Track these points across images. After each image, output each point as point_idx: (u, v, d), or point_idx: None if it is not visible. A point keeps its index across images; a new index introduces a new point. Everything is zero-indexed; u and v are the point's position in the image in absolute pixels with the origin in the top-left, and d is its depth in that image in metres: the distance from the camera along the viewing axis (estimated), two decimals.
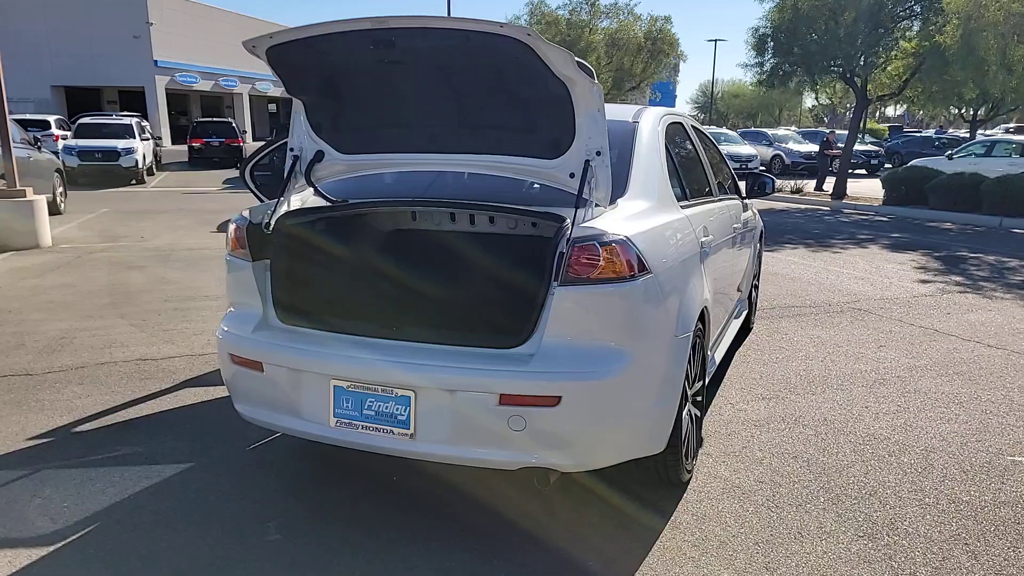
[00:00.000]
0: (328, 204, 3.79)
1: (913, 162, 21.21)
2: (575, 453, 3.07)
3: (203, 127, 30.77)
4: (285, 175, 3.76)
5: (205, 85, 48.34)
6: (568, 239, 3.03)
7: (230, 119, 34.56)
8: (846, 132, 23.11)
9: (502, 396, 2.96)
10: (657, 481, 3.70)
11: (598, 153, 3.19)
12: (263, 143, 5.68)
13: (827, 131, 24.41)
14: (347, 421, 3.22)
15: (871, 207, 18.20)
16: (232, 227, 3.64)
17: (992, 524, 3.52)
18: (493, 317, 3.44)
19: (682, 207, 3.98)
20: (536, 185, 4.03)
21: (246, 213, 3.64)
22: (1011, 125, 42.19)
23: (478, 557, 3.19)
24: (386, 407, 3.15)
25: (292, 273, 3.56)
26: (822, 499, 3.75)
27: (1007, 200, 15.63)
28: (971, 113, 32.10)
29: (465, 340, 3.16)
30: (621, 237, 3.04)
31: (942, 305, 8.05)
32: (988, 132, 35.15)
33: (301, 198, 3.90)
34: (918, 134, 42.24)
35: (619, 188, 3.50)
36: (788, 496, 3.78)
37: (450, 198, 3.74)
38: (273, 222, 3.58)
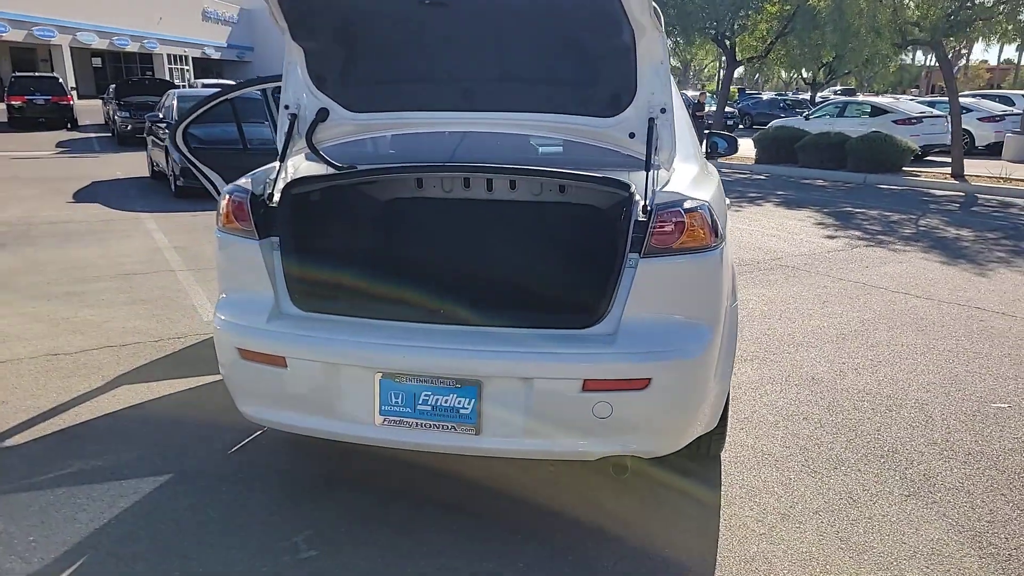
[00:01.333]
0: (341, 171, 3.31)
1: (776, 123, 22.30)
2: (661, 437, 2.85)
3: (23, 83, 27.13)
4: (283, 138, 3.24)
5: (16, 35, 40.97)
6: (647, 206, 2.76)
7: (56, 74, 31.09)
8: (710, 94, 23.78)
9: (586, 382, 2.68)
10: (696, 456, 3.56)
11: (663, 110, 2.93)
12: (196, 103, 4.97)
13: (698, 93, 25.21)
14: (396, 419, 2.83)
15: (746, 166, 18.99)
16: (226, 199, 3.10)
17: (1015, 472, 3.64)
18: (563, 295, 3.14)
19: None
20: (550, 147, 3.73)
21: (243, 182, 3.11)
22: (838, 88, 45.29)
23: (548, 553, 2.92)
24: (446, 401, 2.79)
25: (310, 251, 3.09)
26: (852, 460, 3.74)
27: (870, 158, 16.72)
28: (812, 76, 34.17)
29: (534, 321, 2.84)
30: (703, 202, 2.81)
31: (856, 259, 8.43)
32: (822, 94, 37.51)
33: (294, 165, 3.39)
34: (761, 96, 44.61)
35: None
36: (821, 460, 3.74)
37: (481, 163, 3.36)
38: (277, 192, 3.08)
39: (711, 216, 2.82)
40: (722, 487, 3.47)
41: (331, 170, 3.32)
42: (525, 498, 3.33)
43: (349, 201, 3.43)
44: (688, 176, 3.09)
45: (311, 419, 2.96)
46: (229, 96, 4.86)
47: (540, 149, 3.85)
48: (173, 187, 12.42)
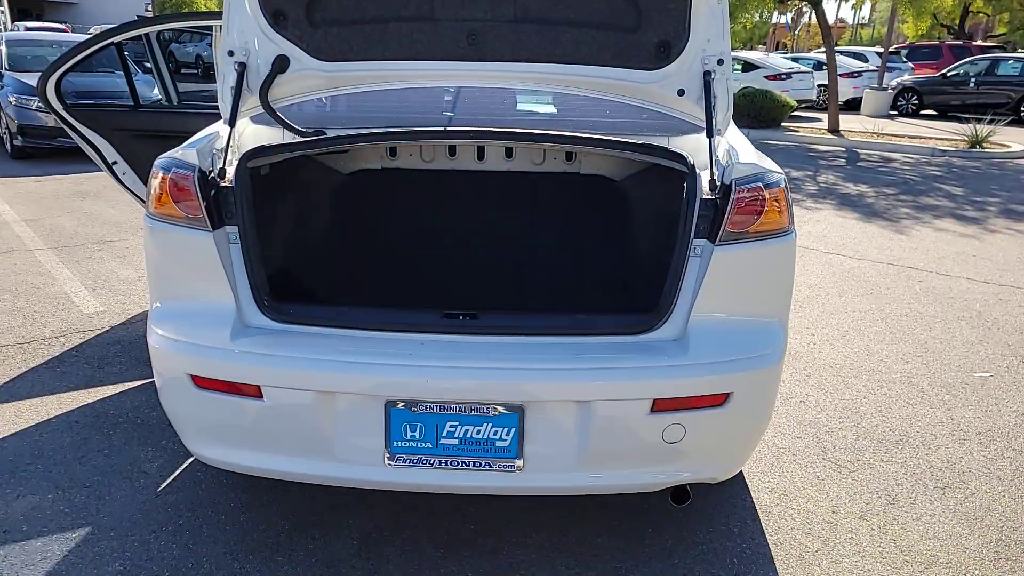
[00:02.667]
0: (313, 138, 2.59)
1: None
2: (730, 459, 2.41)
3: None
4: (229, 95, 2.49)
5: None
6: (715, 181, 2.26)
7: None
8: None
9: (657, 402, 2.18)
10: None
11: (720, 62, 2.41)
12: (73, 48, 3.98)
13: None
14: (412, 457, 2.23)
15: None
16: (161, 177, 2.33)
17: None
18: (611, 292, 2.59)
19: None
20: (540, 106, 3.16)
21: (181, 155, 2.35)
22: None
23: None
24: (478, 432, 2.21)
25: (281, 244, 2.40)
26: (870, 450, 3.47)
27: (751, 114, 17.00)
28: None
29: (584, 326, 2.30)
30: (781, 174, 2.34)
31: None
32: None
33: (238, 132, 2.64)
34: None
35: None
36: (839, 452, 3.45)
37: (483, 127, 2.72)
38: (231, 167, 2.35)
39: (788, 193, 2.35)
40: (751, 492, 3.09)
41: (296, 137, 2.60)
42: (543, 506, 2.81)
43: (327, 177, 2.73)
44: (743, 142, 2.60)
45: (297, 462, 2.30)
46: (116, 39, 3.91)
47: (521, 106, 3.26)
48: (9, 147, 10.64)
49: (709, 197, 2.28)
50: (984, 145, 13.62)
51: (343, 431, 2.24)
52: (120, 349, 4.31)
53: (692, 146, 2.56)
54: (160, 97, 5.20)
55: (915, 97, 21.03)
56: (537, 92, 2.81)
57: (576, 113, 2.99)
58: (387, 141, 2.61)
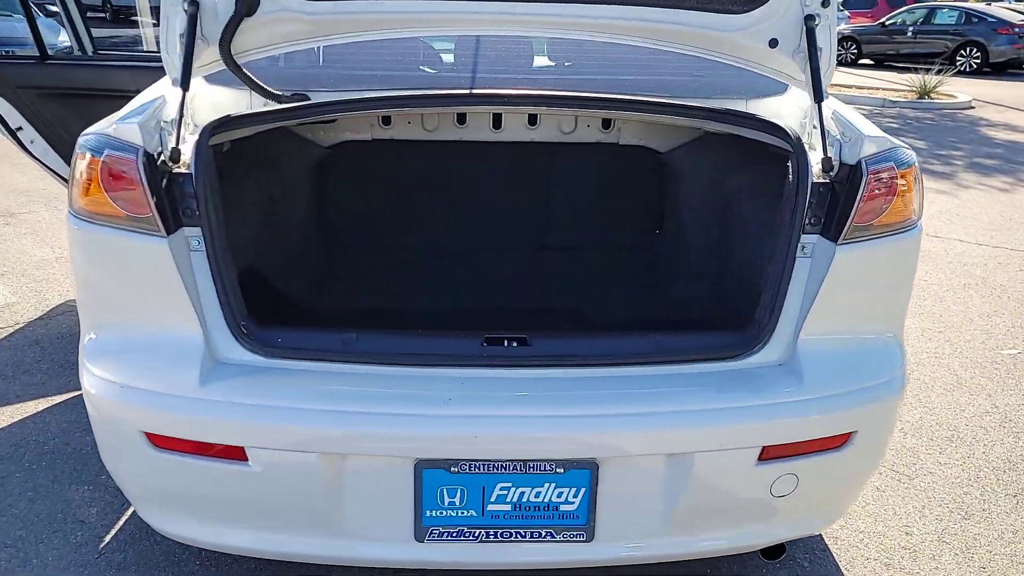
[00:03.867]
0: (298, 104, 1.96)
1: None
2: (840, 506, 1.97)
3: None
4: (176, 46, 1.84)
5: None
6: (831, 160, 1.77)
7: None
8: None
9: (767, 449, 1.70)
10: None
11: (824, 3, 1.90)
12: None
13: None
14: (451, 529, 1.71)
15: None
16: (89, 160, 1.69)
17: None
18: (694, 307, 2.10)
19: None
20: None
21: (116, 130, 1.71)
22: None
23: None
24: (537, 495, 1.71)
25: (263, 250, 1.82)
26: (924, 451, 3.11)
27: None
28: None
29: (664, 350, 1.79)
30: (912, 151, 1.85)
31: None
32: None
33: (209, 98, 2.01)
34: None
35: None
36: (892, 454, 3.09)
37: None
38: (187, 147, 1.73)
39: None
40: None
41: (270, 104, 1.97)
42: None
43: (303, 153, 2.13)
44: (844, 107, 2.09)
45: (295, 540, 1.75)
46: None
47: (538, 60, 2.68)
48: None
49: (822, 181, 1.78)
50: (932, 96, 13.51)
51: (358, 500, 1.70)
52: (40, 353, 3.60)
53: (773, 112, 2.05)
54: (70, 45, 4.36)
55: (853, 46, 20.80)
56: (585, 42, 2.24)
57: (608, 68, 2.44)
58: (396, 107, 2.01)
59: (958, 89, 14.49)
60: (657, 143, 2.54)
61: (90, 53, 4.17)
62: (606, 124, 2.49)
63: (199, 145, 1.72)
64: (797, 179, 1.77)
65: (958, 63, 18.91)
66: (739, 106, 2.09)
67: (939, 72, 13.77)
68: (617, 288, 2.66)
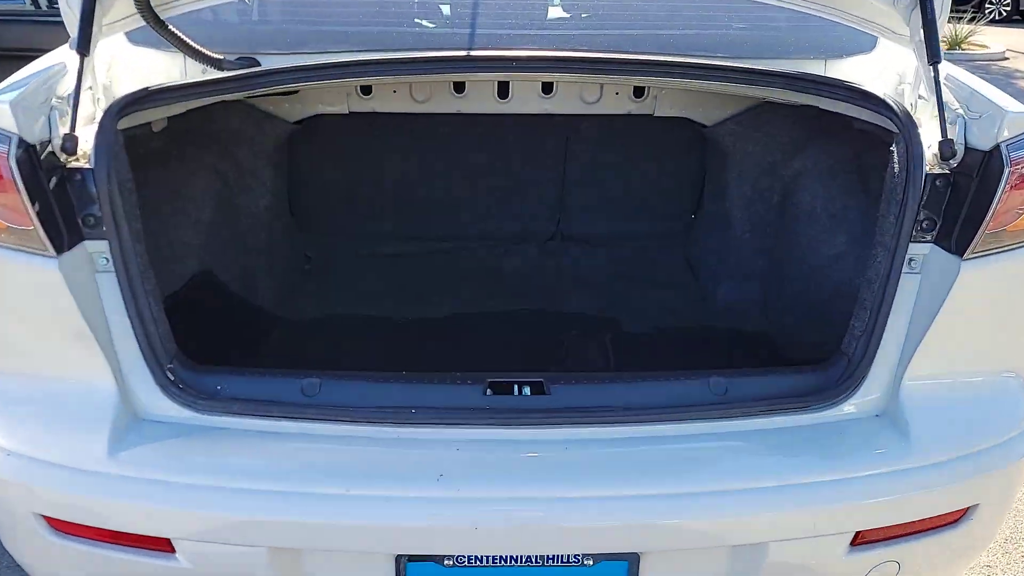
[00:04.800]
0: (228, 74, 1.51)
1: None
2: None
3: None
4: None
5: None
6: (953, 143, 1.32)
7: None
8: None
9: (861, 534, 1.29)
10: None
11: None
12: None
13: None
14: None
15: None
16: None
17: None
18: (745, 315, 1.71)
19: None
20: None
21: None
22: None
23: None
24: None
25: (194, 261, 1.43)
26: None
27: None
28: None
29: (725, 405, 1.37)
30: None
31: None
32: None
33: (106, 66, 1.56)
34: None
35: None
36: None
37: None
38: (87, 132, 1.29)
39: None
40: None
41: (210, 71, 1.52)
42: None
43: (263, 132, 1.72)
44: (957, 69, 1.61)
45: None
46: None
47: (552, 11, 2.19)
48: None
49: (940, 172, 1.33)
50: (963, 47, 12.79)
51: None
52: None
53: (857, 76, 1.59)
54: None
55: None
56: None
57: (644, 21, 1.96)
58: (372, 75, 1.55)
59: (990, 39, 13.74)
60: (701, 115, 2.08)
61: (44, 8, 3.70)
62: (639, 92, 2.02)
63: (103, 130, 1.28)
64: (907, 168, 1.32)
65: (987, 10, 18.08)
66: (815, 69, 1.63)
67: (971, 20, 13.02)
68: (650, 292, 2.22)
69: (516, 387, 1.37)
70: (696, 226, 2.43)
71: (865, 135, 1.60)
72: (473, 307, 2.19)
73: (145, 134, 1.63)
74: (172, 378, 1.33)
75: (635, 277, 2.40)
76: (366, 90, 1.98)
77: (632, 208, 2.47)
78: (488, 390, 1.36)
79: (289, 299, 2.22)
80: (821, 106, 1.60)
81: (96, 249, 1.30)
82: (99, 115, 1.34)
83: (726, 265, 2.20)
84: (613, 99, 2.03)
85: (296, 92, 1.93)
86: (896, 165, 1.35)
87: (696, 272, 2.40)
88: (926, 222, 1.34)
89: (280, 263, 2.20)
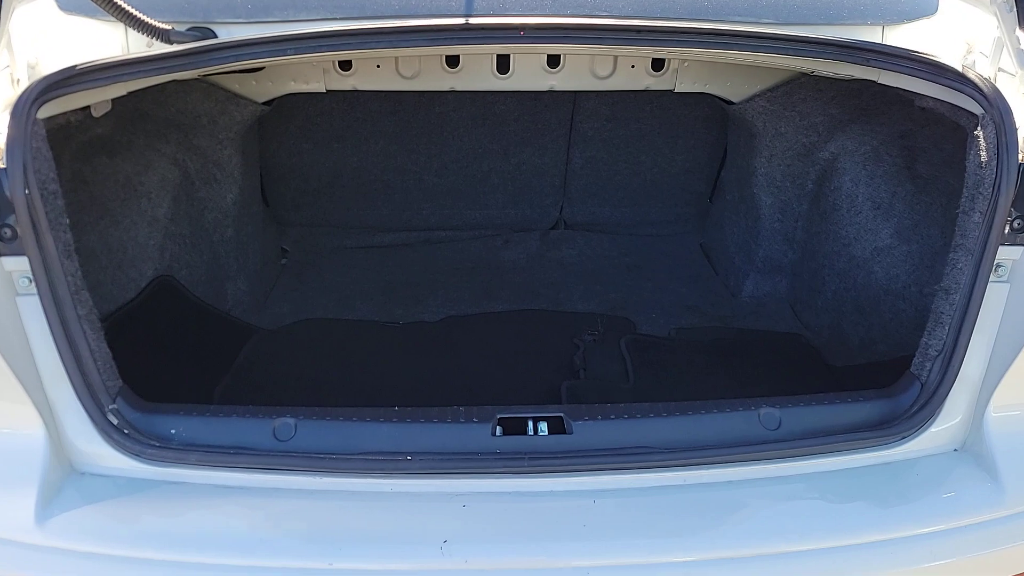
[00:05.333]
0: (182, 47, 1.25)
1: None
2: None
3: None
4: None
5: None
6: None
7: None
8: None
9: None
10: None
11: None
12: None
13: None
14: None
15: None
16: None
17: None
18: (775, 313, 1.56)
19: None
20: None
21: None
22: None
23: None
24: None
25: (135, 274, 1.22)
26: None
27: None
28: None
29: (782, 441, 1.15)
30: None
31: None
32: None
33: (32, 40, 1.30)
34: None
35: None
36: None
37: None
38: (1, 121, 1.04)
39: None
40: None
41: (156, 45, 1.26)
42: None
43: (225, 114, 1.49)
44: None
45: None
46: None
47: None
48: None
49: None
50: None
51: None
52: None
53: (920, 43, 1.36)
54: None
55: None
56: None
57: None
58: (348, 48, 1.29)
59: None
60: (728, 90, 1.83)
61: None
62: (658, 65, 1.77)
63: (16, 121, 1.03)
64: (996, 157, 1.10)
65: None
66: (872, 36, 1.40)
67: None
68: (665, 286, 1.99)
69: (531, 424, 1.15)
70: (715, 212, 2.20)
71: (915, 113, 1.38)
72: (470, 306, 1.96)
73: (84, 120, 1.37)
74: (115, 421, 1.10)
75: (647, 269, 2.17)
76: (345, 65, 1.73)
77: (642, 193, 2.24)
78: (498, 429, 1.14)
79: (263, 303, 1.98)
80: (880, 80, 1.36)
81: (15, 267, 1.06)
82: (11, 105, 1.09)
83: (751, 257, 1.98)
84: (628, 73, 1.78)
85: (262, 69, 1.67)
86: (983, 153, 1.13)
87: (714, 263, 2.17)
88: (1017, 221, 1.12)
89: (253, 262, 1.96)
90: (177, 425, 1.14)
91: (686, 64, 1.76)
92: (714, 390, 1.59)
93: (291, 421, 1.13)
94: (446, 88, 1.78)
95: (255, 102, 1.74)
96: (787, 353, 1.73)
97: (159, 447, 1.10)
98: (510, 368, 1.67)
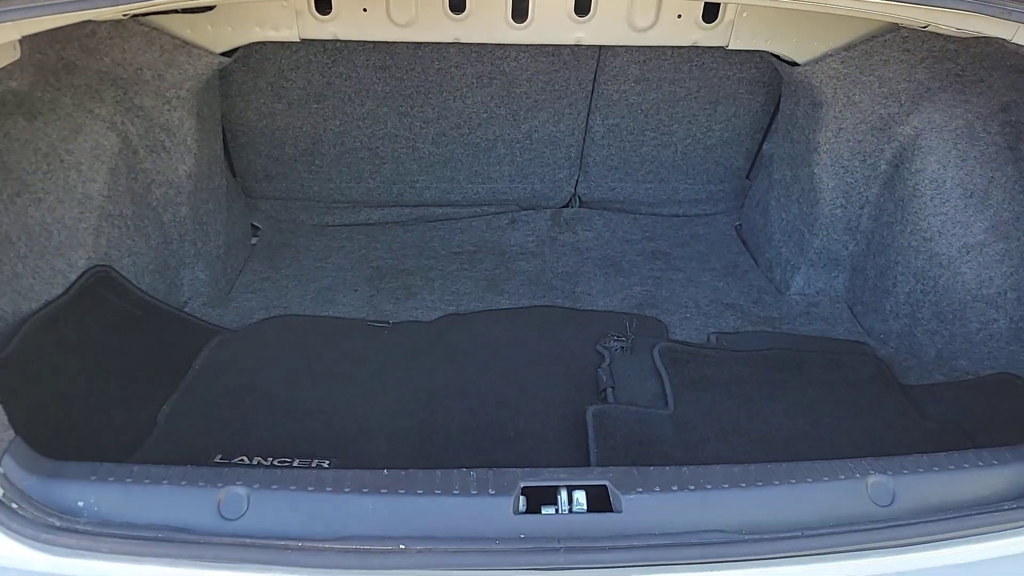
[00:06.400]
0: None
1: None
2: None
3: None
4: None
5: None
6: None
7: None
8: None
9: None
10: None
11: None
12: None
13: None
14: None
15: None
16: None
17: None
18: (839, 318, 1.33)
19: None
20: None
21: None
22: None
23: None
24: None
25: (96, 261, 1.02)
26: None
27: None
28: None
29: (895, 523, 0.86)
30: None
31: None
32: None
33: None
34: None
35: None
36: None
37: None
38: None
39: None
40: None
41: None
42: None
43: (174, 70, 1.21)
44: None
45: None
46: None
47: None
48: None
49: None
50: None
51: None
52: None
53: None
54: None
55: None
56: None
57: None
58: None
59: None
60: (792, 47, 1.50)
61: None
62: (711, 14, 1.45)
63: None
64: None
65: None
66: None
67: None
68: (697, 278, 1.70)
69: (564, 493, 0.86)
70: (757, 192, 1.90)
71: (1021, 82, 1.08)
72: (472, 301, 1.67)
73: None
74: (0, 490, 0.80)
75: (675, 256, 1.87)
76: (324, 7, 1.39)
77: (671, 167, 1.93)
78: (521, 501, 0.85)
79: (227, 294, 1.67)
80: (1014, 39, 1.05)
81: None
82: None
83: (803, 247, 1.68)
84: (674, 24, 1.45)
85: (212, 8, 1.34)
86: None
87: (754, 252, 1.88)
88: None
89: (215, 245, 1.64)
90: (87, 495, 0.84)
91: (745, 14, 1.44)
92: (773, 419, 1.31)
93: (242, 492, 0.84)
94: (448, 39, 1.45)
95: (211, 52, 1.41)
96: (853, 369, 1.44)
97: (60, 529, 0.80)
98: (521, 384, 1.38)
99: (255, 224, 1.92)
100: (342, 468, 1.17)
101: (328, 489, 0.86)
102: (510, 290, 1.71)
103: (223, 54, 1.43)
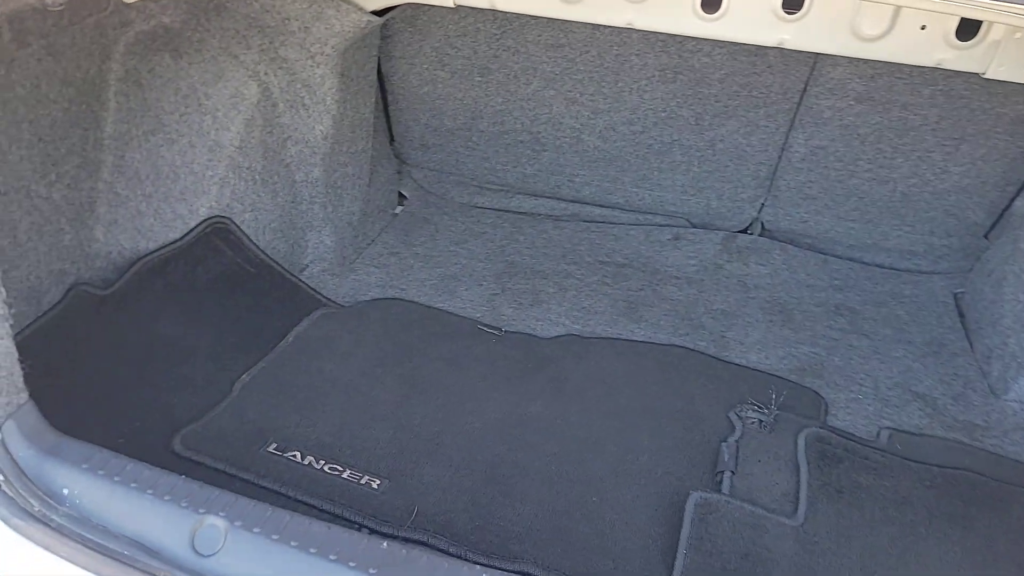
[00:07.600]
0: None
1: None
2: None
3: None
4: None
5: None
6: None
7: None
8: None
9: None
10: None
11: None
12: None
13: None
14: None
15: None
16: None
17: None
18: None
19: None
20: None
21: None
22: None
23: None
24: None
25: None
26: None
27: None
28: None
29: None
30: None
31: None
32: None
33: None
34: None
35: None
36: None
37: None
38: None
39: None
40: None
41: None
42: None
43: (347, 30, 1.13)
44: None
45: None
46: None
47: None
48: None
49: None
50: None
51: None
52: None
53: None
54: None
55: None
56: None
57: None
58: None
59: None
60: None
61: None
62: (968, 29, 1.12)
63: None
64: None
65: None
66: None
67: None
68: (888, 351, 1.38)
69: None
70: (992, 257, 1.51)
71: None
72: (602, 323, 1.46)
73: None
74: None
75: (865, 316, 1.54)
76: None
77: (884, 207, 1.59)
78: None
79: (352, 263, 1.59)
80: None
81: None
82: None
83: None
84: (914, 36, 1.14)
85: None
86: None
87: (972, 331, 1.50)
88: None
89: (348, 211, 1.56)
90: (75, 482, 0.77)
91: (1018, 36, 1.10)
92: (937, 567, 1.00)
93: (220, 525, 0.72)
94: (622, 23, 1.24)
95: (362, 9, 1.30)
96: None
97: (34, 518, 0.73)
98: (624, 438, 1.17)
99: (403, 193, 1.83)
100: (391, 492, 1.04)
101: (311, 551, 0.72)
102: (650, 319, 1.48)
103: (374, 13, 1.32)
